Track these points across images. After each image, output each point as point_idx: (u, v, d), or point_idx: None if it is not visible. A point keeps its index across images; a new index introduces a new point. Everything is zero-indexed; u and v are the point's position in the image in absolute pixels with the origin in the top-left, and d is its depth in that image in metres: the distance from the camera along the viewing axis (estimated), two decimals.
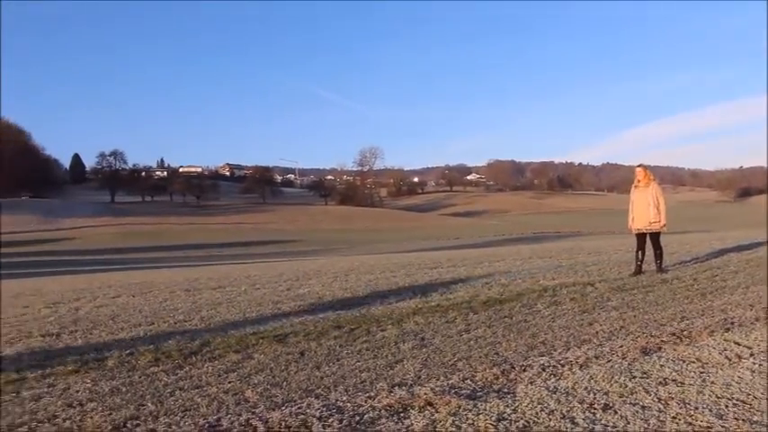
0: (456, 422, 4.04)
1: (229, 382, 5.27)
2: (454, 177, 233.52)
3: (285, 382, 5.22)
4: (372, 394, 4.74)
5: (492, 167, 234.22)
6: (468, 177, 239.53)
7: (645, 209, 12.40)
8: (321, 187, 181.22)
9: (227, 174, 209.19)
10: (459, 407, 4.34)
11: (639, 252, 12.40)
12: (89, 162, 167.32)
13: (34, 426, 4.33)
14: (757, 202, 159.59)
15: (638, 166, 12.88)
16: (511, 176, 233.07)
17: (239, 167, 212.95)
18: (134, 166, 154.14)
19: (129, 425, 4.28)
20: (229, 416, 4.35)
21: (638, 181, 12.65)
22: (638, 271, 12.09)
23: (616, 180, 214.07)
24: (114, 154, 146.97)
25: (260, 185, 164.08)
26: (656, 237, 12.44)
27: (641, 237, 12.47)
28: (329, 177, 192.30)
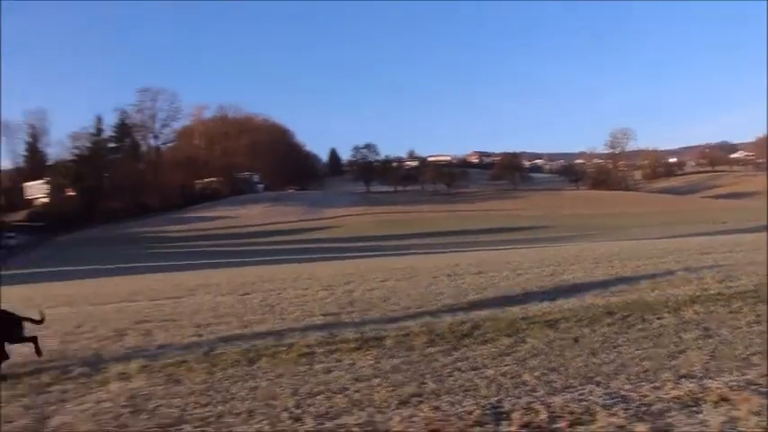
0: (761, 423, 3.68)
1: (506, 365, 5.28)
2: (716, 156, 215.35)
3: (562, 368, 5.13)
4: (657, 385, 4.49)
5: (761, 143, 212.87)
6: (734, 155, 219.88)
7: None
8: (571, 172, 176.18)
9: (476, 161, 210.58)
10: (762, 406, 3.94)
11: None
12: (345, 155, 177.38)
13: (329, 395, 4.65)
14: None
15: None
16: None
17: (487, 155, 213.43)
18: (386, 157, 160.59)
19: (413, 401, 4.43)
20: (509, 398, 4.35)
21: None
22: None
23: None
24: (367, 146, 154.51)
25: (508, 172, 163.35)
26: None
27: None
28: (579, 161, 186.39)
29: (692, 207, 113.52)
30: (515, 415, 3.98)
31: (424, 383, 4.86)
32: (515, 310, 7.89)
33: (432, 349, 6.02)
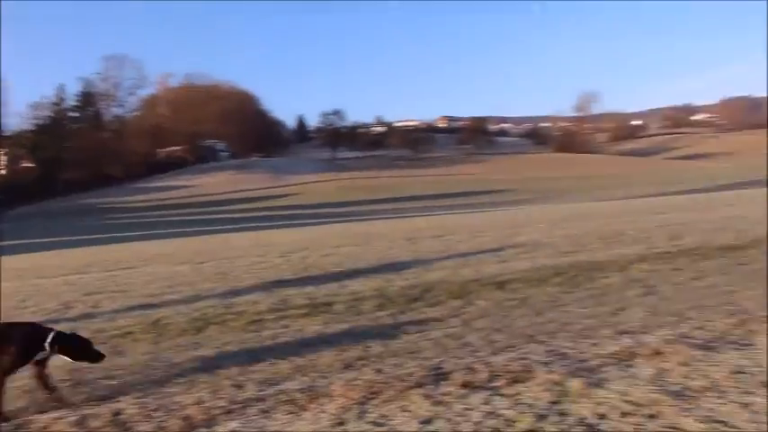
0: (687, 373, 3.80)
1: (452, 327, 5.35)
2: (679, 118, 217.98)
3: (507, 328, 5.21)
4: (597, 341, 4.59)
5: (723, 105, 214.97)
6: (696, 117, 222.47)
7: None
8: (537, 135, 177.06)
9: (444, 126, 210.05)
10: (691, 357, 4.07)
11: None
12: (313, 122, 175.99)
13: (274, 362, 4.64)
14: None
15: None
16: (745, 114, 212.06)
17: (455, 119, 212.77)
18: (353, 123, 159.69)
19: (357, 365, 4.47)
20: (452, 359, 4.41)
21: None
22: None
23: None
24: (335, 112, 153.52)
25: (475, 136, 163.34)
26: None
27: None
28: (545, 125, 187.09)
29: (653, 168, 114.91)
30: (456, 375, 4.03)
31: (369, 347, 4.90)
32: (467, 272, 7.98)
33: (381, 313, 6.07)
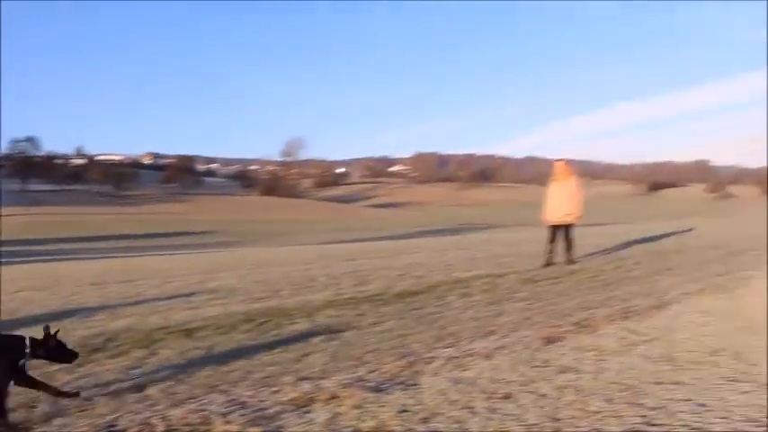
0: (359, 415, 4.06)
1: (132, 380, 5.14)
2: (378, 169, 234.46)
3: (190, 378, 5.12)
4: (277, 388, 4.69)
5: (416, 159, 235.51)
6: (392, 169, 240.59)
7: (560, 202, 12.75)
8: (244, 177, 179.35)
9: (150, 162, 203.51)
10: (364, 399, 4.34)
11: (551, 244, 12.72)
12: (2, 149, 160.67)
13: None
14: (666, 195, 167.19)
15: (558, 160, 13.26)
16: (435, 169, 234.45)
17: (161, 156, 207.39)
18: (49, 152, 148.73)
19: (17, 429, 4.10)
20: (129, 414, 4.22)
21: (557, 175, 12.99)
22: (549, 263, 12.39)
23: (536, 173, 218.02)
24: (28, 140, 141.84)
25: (181, 174, 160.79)
26: (568, 229, 12.76)
27: (554, 229, 12.80)
28: (253, 167, 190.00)
29: (352, 215, 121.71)
30: None
31: (35, 407, 4.49)
32: (155, 320, 7.73)
33: (54, 367, 5.60)
